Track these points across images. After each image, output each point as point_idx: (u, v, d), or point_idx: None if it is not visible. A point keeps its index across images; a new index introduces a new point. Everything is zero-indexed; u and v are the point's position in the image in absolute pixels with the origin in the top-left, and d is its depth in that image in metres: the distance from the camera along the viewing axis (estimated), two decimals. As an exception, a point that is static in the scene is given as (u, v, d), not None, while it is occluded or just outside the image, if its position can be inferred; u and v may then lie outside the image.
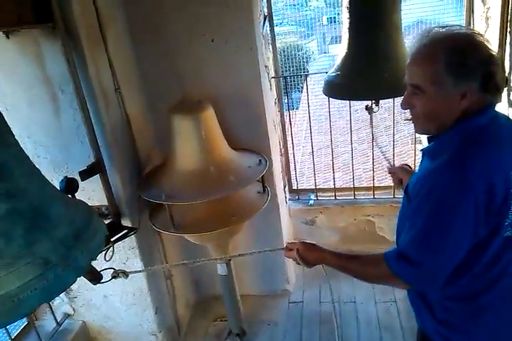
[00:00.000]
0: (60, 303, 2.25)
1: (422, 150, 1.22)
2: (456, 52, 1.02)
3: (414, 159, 3.07)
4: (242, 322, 2.44)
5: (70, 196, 1.34)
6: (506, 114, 1.23)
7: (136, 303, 2.18)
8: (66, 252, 0.93)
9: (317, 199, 3.09)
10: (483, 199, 1.00)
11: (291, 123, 2.97)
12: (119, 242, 1.81)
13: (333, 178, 3.11)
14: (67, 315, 2.28)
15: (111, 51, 1.85)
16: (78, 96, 1.63)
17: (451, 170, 1.04)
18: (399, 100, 1.23)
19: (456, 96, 1.05)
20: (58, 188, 1.30)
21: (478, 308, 1.15)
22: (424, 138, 1.27)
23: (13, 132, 0.99)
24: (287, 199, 3.04)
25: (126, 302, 2.19)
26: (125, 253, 2.03)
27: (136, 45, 2.09)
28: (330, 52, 11.47)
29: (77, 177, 1.55)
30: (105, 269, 1.31)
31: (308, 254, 1.30)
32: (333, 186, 3.11)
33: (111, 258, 1.65)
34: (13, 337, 2.00)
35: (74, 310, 2.27)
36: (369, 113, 2.08)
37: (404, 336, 2.33)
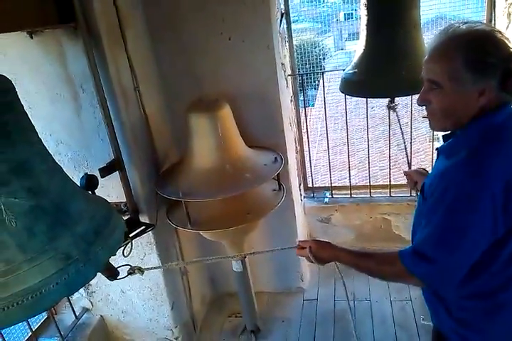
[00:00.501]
0: (79, 298, 2.30)
1: (437, 148, 1.21)
2: (476, 49, 1.01)
3: (432, 157, 3.04)
4: (257, 319, 2.45)
5: (90, 192, 1.37)
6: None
7: (153, 298, 2.21)
8: (87, 247, 0.95)
9: (332, 197, 3.08)
10: (500, 196, 0.99)
11: (306, 121, 2.95)
12: (137, 238, 1.83)
13: (349, 176, 3.10)
14: (85, 310, 2.33)
15: (130, 50, 1.87)
16: (98, 95, 1.66)
17: (467, 168, 1.03)
18: (417, 97, 1.21)
19: (474, 93, 1.03)
20: (79, 185, 1.32)
21: (496, 306, 1.14)
22: (441, 135, 1.25)
23: (37, 130, 1.01)
24: (302, 197, 3.03)
25: (143, 298, 2.22)
26: (143, 249, 2.06)
27: (155, 44, 2.11)
28: (346, 48, 11.34)
29: (97, 174, 1.58)
30: (121, 266, 1.33)
31: (322, 252, 1.30)
32: (348, 184, 3.10)
33: (129, 253, 1.67)
34: (33, 330, 2.05)
35: (92, 304, 2.31)
36: (393, 111, 2.04)
37: (420, 335, 2.32)
